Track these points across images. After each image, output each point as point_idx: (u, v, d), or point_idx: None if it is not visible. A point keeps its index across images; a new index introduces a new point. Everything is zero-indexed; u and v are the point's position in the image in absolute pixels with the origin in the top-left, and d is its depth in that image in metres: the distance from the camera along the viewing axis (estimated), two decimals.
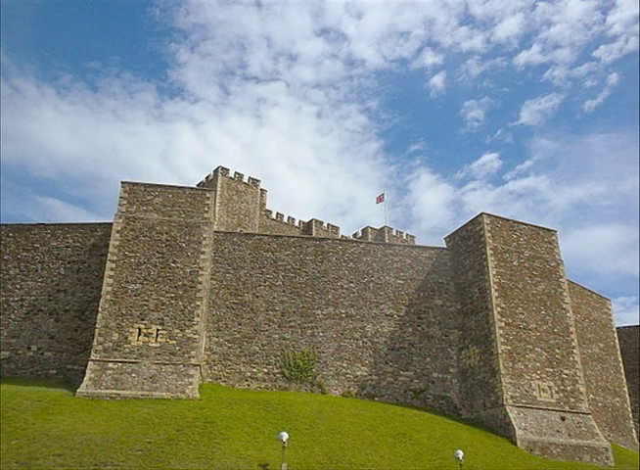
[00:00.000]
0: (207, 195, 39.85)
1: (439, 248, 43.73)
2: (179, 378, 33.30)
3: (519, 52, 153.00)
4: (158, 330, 34.71)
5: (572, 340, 38.95)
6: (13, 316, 37.43)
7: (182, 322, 35.17)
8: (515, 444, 32.71)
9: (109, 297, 35.09)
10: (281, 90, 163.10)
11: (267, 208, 72.87)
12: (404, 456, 28.03)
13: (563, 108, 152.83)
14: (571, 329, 39.35)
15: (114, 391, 31.89)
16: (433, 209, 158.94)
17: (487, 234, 40.19)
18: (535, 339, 37.80)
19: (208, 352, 37.56)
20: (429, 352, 39.72)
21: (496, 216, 41.61)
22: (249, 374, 37.53)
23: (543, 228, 43.08)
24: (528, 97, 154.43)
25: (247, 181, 69.62)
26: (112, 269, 35.92)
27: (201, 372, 35.21)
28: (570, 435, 34.73)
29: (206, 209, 39.12)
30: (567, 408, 36.05)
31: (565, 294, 40.56)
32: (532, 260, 40.87)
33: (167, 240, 37.52)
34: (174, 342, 34.54)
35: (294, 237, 44.07)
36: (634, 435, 46.23)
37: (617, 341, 49.57)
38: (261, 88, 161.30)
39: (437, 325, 40.58)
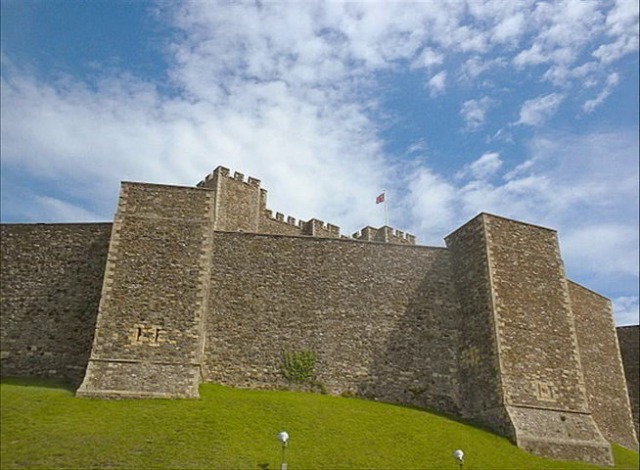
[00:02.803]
0: (207, 195, 39.85)
1: (439, 248, 43.72)
2: (179, 378, 33.30)
3: (519, 52, 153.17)
4: (158, 330, 34.71)
5: (572, 340, 38.96)
6: (13, 316, 37.44)
7: (182, 322, 35.17)
8: (515, 444, 32.70)
9: (109, 297, 35.10)
10: (281, 90, 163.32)
11: (267, 208, 72.90)
12: (404, 456, 28.02)
13: (563, 108, 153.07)
14: (571, 329, 39.36)
15: (114, 391, 31.88)
16: (433, 209, 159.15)
17: (487, 234, 40.19)
18: (535, 339, 37.79)
19: (208, 352, 37.55)
20: (429, 352, 39.73)
21: (496, 216, 41.60)
22: (249, 374, 37.54)
23: (543, 228, 43.08)
24: (528, 97, 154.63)
25: (247, 181, 69.63)
26: (112, 269, 35.93)
27: (201, 372, 35.21)
28: (570, 435, 34.72)
29: (206, 209, 39.13)
30: (567, 408, 36.05)
31: (565, 294, 40.56)
32: (532, 260, 40.87)
33: (167, 240, 37.53)
34: (174, 342, 34.54)
35: (294, 237, 44.05)
36: (634, 435, 46.22)
37: (617, 341, 49.58)
38: (261, 88, 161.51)
39: (437, 325, 40.58)
